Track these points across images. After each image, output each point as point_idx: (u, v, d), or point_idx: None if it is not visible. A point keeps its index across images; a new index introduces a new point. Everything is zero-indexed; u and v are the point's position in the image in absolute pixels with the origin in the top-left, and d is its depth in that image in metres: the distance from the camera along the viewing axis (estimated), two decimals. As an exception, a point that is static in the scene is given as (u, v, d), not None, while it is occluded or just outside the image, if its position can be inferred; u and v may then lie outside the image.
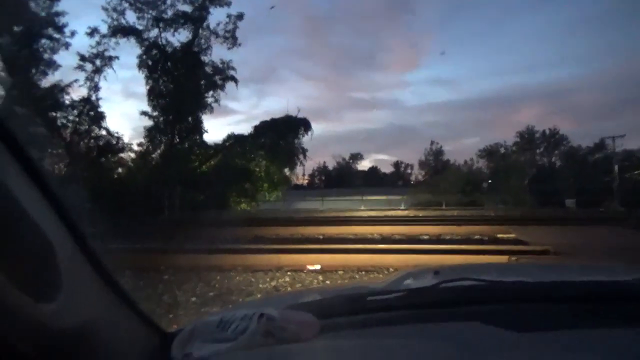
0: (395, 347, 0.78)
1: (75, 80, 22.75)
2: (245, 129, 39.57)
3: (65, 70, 26.51)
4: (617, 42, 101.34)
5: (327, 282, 5.89)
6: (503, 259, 6.19)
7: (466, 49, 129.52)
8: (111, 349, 0.72)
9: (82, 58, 23.33)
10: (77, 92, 23.05)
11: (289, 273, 6.23)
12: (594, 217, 13.96)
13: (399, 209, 23.58)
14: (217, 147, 27.59)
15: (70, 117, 22.97)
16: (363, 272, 6.31)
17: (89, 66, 23.44)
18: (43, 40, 21.83)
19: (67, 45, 22.49)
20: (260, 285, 5.65)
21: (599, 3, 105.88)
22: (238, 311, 0.86)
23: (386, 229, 11.24)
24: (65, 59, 27.77)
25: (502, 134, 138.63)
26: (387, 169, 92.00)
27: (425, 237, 10.37)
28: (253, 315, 0.80)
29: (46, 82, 21.93)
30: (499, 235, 10.05)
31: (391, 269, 6.25)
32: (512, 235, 9.53)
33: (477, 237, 10.23)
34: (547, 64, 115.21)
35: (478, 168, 52.23)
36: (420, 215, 17.06)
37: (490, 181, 34.87)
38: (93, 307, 0.69)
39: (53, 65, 22.15)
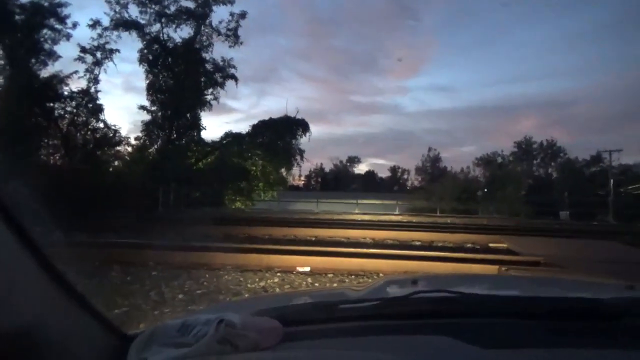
0: (355, 359, 0.76)
1: (75, 72, 22.78)
2: (243, 127, 39.59)
3: (66, 61, 26.45)
4: (618, 55, 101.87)
5: (316, 284, 5.87)
6: (493, 268, 6.18)
7: (467, 57, 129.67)
8: (62, 351, 0.69)
9: (83, 50, 23.36)
10: (77, 84, 23.02)
11: (278, 274, 6.21)
12: (588, 230, 13.99)
13: (393, 214, 23.56)
14: (214, 145, 27.59)
15: (69, 109, 23.01)
16: (353, 276, 6.29)
17: (89, 58, 23.52)
18: (44, 31, 21.78)
19: (68, 37, 22.52)
20: (249, 285, 5.63)
21: (600, 16, 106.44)
22: (202, 315, 0.84)
23: (379, 234, 11.23)
24: (66, 50, 27.76)
25: (499, 143, 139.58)
26: (383, 173, 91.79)
27: (418, 243, 10.37)
28: (214, 320, 0.78)
29: (46, 72, 21.94)
30: (491, 245, 10.05)
31: (381, 274, 6.24)
32: (504, 245, 9.52)
33: (469, 245, 10.23)
34: (547, 75, 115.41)
35: (474, 176, 52.43)
36: (414, 221, 17.06)
37: (485, 190, 34.94)
38: (38, 308, 0.67)
39: (53, 55, 22.13)
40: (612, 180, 31.19)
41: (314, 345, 0.85)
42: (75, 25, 22.68)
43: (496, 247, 9.61)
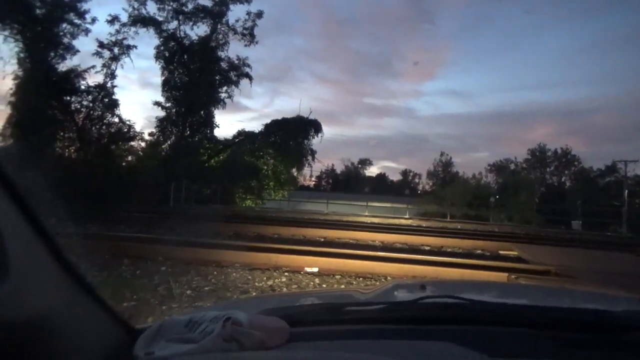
0: None
1: (92, 67, 23.03)
2: (256, 126, 39.64)
3: (83, 55, 26.71)
4: (636, 65, 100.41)
5: (324, 285, 5.87)
6: (503, 276, 6.13)
7: (483, 62, 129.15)
8: (71, 342, 0.70)
9: (101, 45, 23.60)
10: (93, 78, 23.27)
11: (286, 273, 6.22)
12: (601, 241, 13.80)
13: (403, 218, 23.48)
14: (226, 143, 27.73)
15: (85, 103, 23.21)
16: (361, 279, 6.28)
17: (106, 53, 23.74)
18: (64, 25, 22.01)
19: (87, 32, 22.69)
20: (257, 284, 5.64)
21: (618, 26, 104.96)
22: (209, 312, 0.84)
23: (388, 237, 11.19)
24: (84, 45, 27.99)
25: (513, 150, 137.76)
26: (395, 176, 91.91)
27: (427, 247, 10.32)
28: (221, 318, 0.78)
29: (64, 66, 22.14)
30: (501, 252, 9.96)
31: (389, 278, 6.23)
32: (514, 253, 9.44)
33: (478, 251, 10.16)
34: (563, 83, 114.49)
35: (486, 182, 51.86)
36: (424, 225, 16.98)
37: (497, 196, 34.59)
38: (50, 299, 0.68)
39: (72, 50, 22.30)
40: (626, 191, 30.74)
41: (320, 346, 0.85)
42: (94, 20, 22.92)
43: (506, 255, 9.53)
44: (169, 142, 26.09)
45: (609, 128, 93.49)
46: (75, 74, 22.29)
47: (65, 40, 22.10)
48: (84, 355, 0.74)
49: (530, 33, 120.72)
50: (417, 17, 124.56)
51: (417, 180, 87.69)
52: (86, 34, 22.74)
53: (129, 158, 26.01)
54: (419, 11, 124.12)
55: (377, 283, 5.55)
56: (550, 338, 0.88)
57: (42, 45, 21.01)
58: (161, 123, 25.85)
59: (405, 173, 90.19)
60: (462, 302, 0.99)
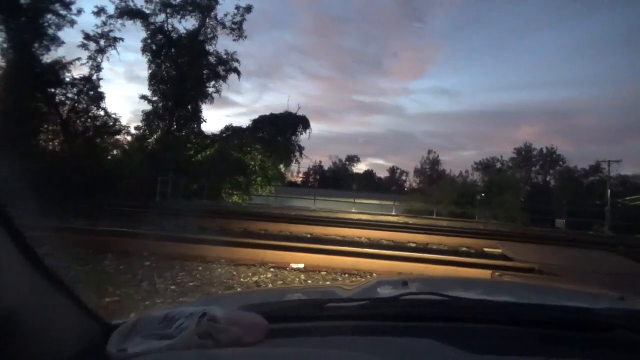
0: (337, 359, 0.75)
1: (78, 59, 22.82)
2: (244, 122, 39.64)
3: (69, 47, 26.42)
4: (621, 68, 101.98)
5: (309, 281, 5.86)
6: (487, 273, 6.19)
7: (472, 62, 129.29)
8: (41, 339, 0.68)
9: (87, 37, 23.39)
10: (79, 70, 23.02)
11: (271, 269, 6.20)
12: (584, 240, 13.98)
13: (390, 215, 23.57)
14: (214, 138, 27.60)
15: (70, 95, 22.99)
16: (346, 275, 6.29)
17: (92, 45, 23.56)
18: (49, 16, 21.67)
19: (72, 23, 22.43)
20: (242, 280, 5.61)
21: (604, 28, 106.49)
22: (187, 308, 0.83)
23: (374, 234, 11.23)
24: (70, 36, 27.58)
25: (499, 148, 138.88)
26: (382, 173, 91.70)
27: (413, 245, 10.37)
28: (197, 314, 0.77)
29: (48, 57, 21.85)
30: (486, 250, 10.05)
31: (374, 274, 6.24)
32: (499, 251, 9.53)
33: (464, 249, 10.24)
34: (550, 84, 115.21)
35: (473, 180, 52.25)
36: (411, 222, 17.08)
37: (483, 195, 34.86)
38: (17, 295, 0.66)
39: (57, 41, 22.03)
40: (609, 191, 31.25)
41: (299, 342, 0.84)
42: (79, 11, 22.66)
43: (491, 252, 9.62)
44: (155, 136, 25.88)
45: (594, 128, 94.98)
46: (60, 65, 22.02)
47: (50, 31, 21.82)
48: (55, 352, 0.72)
49: (518, 34, 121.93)
50: (408, 16, 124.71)
51: (404, 177, 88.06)
52: (72, 25, 22.51)
53: (115, 152, 25.82)
54: (409, 10, 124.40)
55: (363, 279, 5.56)
56: (532, 335, 0.88)
57: (27, 36, 20.65)
58: (148, 117, 25.63)
59: (392, 170, 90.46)
60: (444, 299, 0.99)
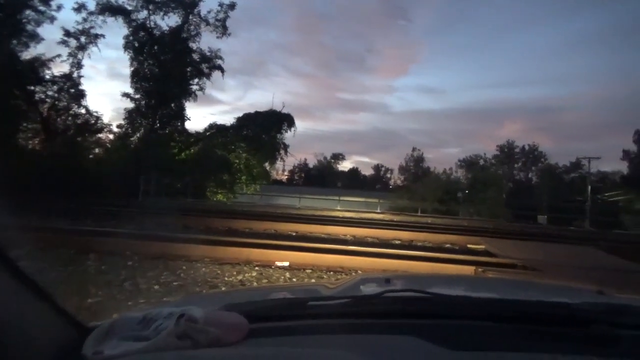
0: (317, 358, 0.75)
1: (58, 56, 22.41)
2: (228, 120, 39.38)
3: (48, 44, 25.92)
4: (602, 66, 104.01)
5: (294, 279, 5.86)
6: (470, 269, 6.26)
7: (456, 60, 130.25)
8: (13, 342, 0.66)
9: (67, 33, 22.97)
10: (59, 68, 22.59)
11: (256, 268, 6.18)
12: (565, 235, 14.21)
13: (375, 212, 23.66)
14: (198, 136, 27.40)
15: (50, 93, 22.55)
16: (331, 272, 6.30)
17: (73, 42, 23.15)
18: (27, 12, 21.21)
19: (52, 19, 21.97)
20: (226, 279, 5.58)
21: (586, 27, 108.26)
22: (165, 308, 0.81)
23: (359, 231, 11.26)
24: (49, 33, 27.00)
25: (483, 145, 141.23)
26: (367, 171, 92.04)
27: (397, 242, 10.43)
28: (176, 314, 0.75)
29: (27, 54, 21.39)
30: (470, 246, 10.16)
31: (359, 272, 6.25)
32: (482, 247, 9.63)
33: (448, 245, 10.33)
34: (533, 82, 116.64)
35: (456, 178, 52.79)
36: (395, 220, 17.16)
37: (467, 191, 35.27)
38: None
39: (36, 37, 21.55)
40: (589, 187, 31.84)
41: (281, 342, 0.83)
42: (59, 7, 22.23)
43: (474, 249, 9.72)
44: (138, 135, 25.60)
45: (574, 126, 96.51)
46: (40, 62, 21.62)
47: (29, 27, 21.35)
48: (29, 356, 0.70)
49: (501, 33, 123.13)
50: (392, 13, 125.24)
51: (389, 175, 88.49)
52: (51, 22, 22.07)
53: (97, 150, 25.44)
54: (393, 7, 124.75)
55: (348, 277, 5.57)
56: (513, 330, 0.89)
57: (5, 33, 20.19)
58: (130, 115, 25.33)
59: (377, 168, 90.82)
60: (426, 296, 0.99)
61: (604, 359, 0.81)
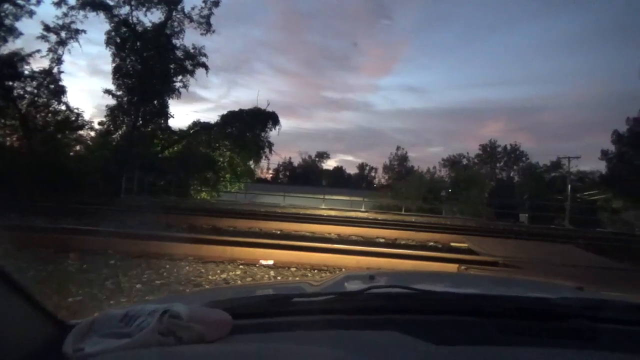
0: (300, 354, 0.75)
1: (38, 51, 22.03)
2: (212, 117, 39.10)
3: (27, 39, 25.40)
4: (580, 66, 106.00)
5: (279, 277, 5.85)
6: (453, 267, 6.32)
7: (439, 59, 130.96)
8: None
9: (47, 28, 22.56)
10: (38, 63, 22.29)
11: (241, 266, 6.14)
12: (546, 233, 14.44)
13: (359, 211, 23.74)
14: (181, 134, 27.18)
15: (29, 89, 22.10)
16: (316, 271, 6.29)
17: (53, 37, 22.75)
18: (6, 5, 20.77)
19: (31, 13, 21.53)
20: (210, 277, 5.55)
21: (565, 27, 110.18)
22: (148, 305, 0.80)
23: (344, 230, 11.29)
24: (28, 27, 26.56)
25: (466, 145, 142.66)
26: (352, 170, 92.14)
27: (382, 240, 10.48)
28: (159, 311, 0.74)
29: (5, 49, 20.94)
30: (453, 244, 10.25)
31: (344, 269, 6.27)
32: (465, 245, 9.73)
33: (431, 243, 10.41)
34: (513, 81, 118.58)
35: (440, 176, 53.28)
36: (380, 218, 17.24)
37: (450, 190, 35.62)
38: None
39: (14, 32, 21.13)
40: (569, 186, 32.42)
41: (264, 338, 0.83)
42: (39, 1, 21.79)
43: (458, 247, 9.81)
44: (120, 132, 25.28)
45: (555, 126, 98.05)
46: (19, 57, 21.19)
47: (8, 21, 20.93)
48: (8, 353, 0.69)
49: (483, 32, 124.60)
50: (376, 12, 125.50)
51: (373, 173, 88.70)
52: (30, 16, 21.66)
53: (78, 148, 25.03)
54: (377, 6, 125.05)
55: (333, 275, 5.57)
56: (494, 325, 0.90)
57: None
58: (112, 112, 25.00)
59: (362, 166, 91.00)
60: (409, 292, 1.00)
61: (582, 352, 0.83)
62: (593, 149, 68.05)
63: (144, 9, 24.79)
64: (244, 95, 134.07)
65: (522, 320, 0.92)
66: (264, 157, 28.80)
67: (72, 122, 23.34)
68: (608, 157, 37.66)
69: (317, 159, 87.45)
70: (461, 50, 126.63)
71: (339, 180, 78.44)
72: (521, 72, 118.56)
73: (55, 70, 22.67)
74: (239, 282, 5.50)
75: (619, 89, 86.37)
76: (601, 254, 9.02)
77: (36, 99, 22.33)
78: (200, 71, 26.76)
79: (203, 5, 25.86)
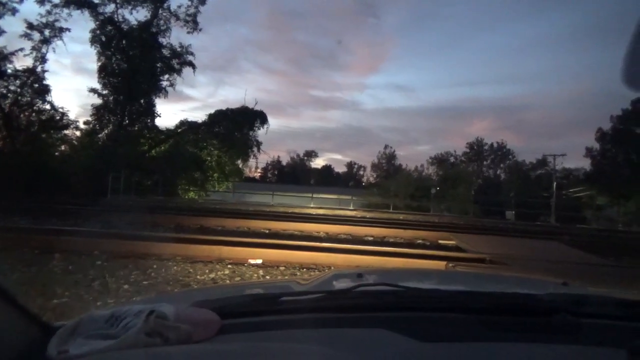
0: (288, 353, 0.75)
1: (21, 49, 21.65)
2: (199, 116, 38.71)
3: (10, 37, 24.94)
4: (565, 65, 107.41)
5: (268, 276, 5.83)
6: (441, 264, 6.36)
7: (426, 58, 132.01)
8: None
9: (30, 26, 22.18)
10: (22, 62, 21.81)
11: (229, 266, 6.12)
12: (532, 230, 14.60)
13: (348, 209, 23.78)
14: (168, 133, 26.95)
15: (12, 88, 21.72)
16: (305, 269, 6.29)
17: (36, 35, 22.39)
18: (-13, 3, 20.40)
19: (14, 11, 21.15)
20: (198, 277, 5.51)
21: (551, 27, 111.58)
22: (134, 306, 0.79)
23: (332, 228, 11.29)
24: (11, 25, 26.14)
25: (453, 143, 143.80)
26: (340, 168, 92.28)
27: (370, 238, 10.51)
28: (145, 311, 0.74)
29: (-14, 47, 20.52)
30: (441, 241, 10.31)
31: (332, 268, 6.28)
32: (452, 242, 9.80)
33: (419, 241, 10.46)
34: (502, 80, 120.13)
35: (428, 175, 53.58)
36: (368, 216, 17.29)
37: (438, 188, 35.83)
38: None
39: (-4, 30, 20.70)
40: (555, 184, 32.82)
41: (252, 337, 0.83)
42: (22, -1, 21.39)
43: (445, 244, 9.88)
44: (106, 131, 24.99)
45: (541, 124, 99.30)
46: (1, 56, 20.88)
47: (-11, 19, 20.50)
48: None
49: (470, 32, 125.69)
50: (363, 11, 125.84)
51: (361, 172, 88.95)
52: (13, 14, 21.28)
53: (63, 147, 24.70)
54: (364, 5, 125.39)
55: (321, 273, 5.57)
56: (480, 322, 0.91)
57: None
58: (98, 111, 24.70)
59: (350, 165, 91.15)
60: (396, 289, 1.00)
61: (566, 346, 0.84)
62: (578, 147, 69.06)
63: (130, 7, 24.53)
64: (232, 94, 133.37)
65: (508, 316, 0.94)
66: (252, 156, 28.69)
67: (56, 121, 23.03)
68: (592, 155, 38.15)
69: (305, 158, 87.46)
70: (448, 49, 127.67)
71: (327, 178, 78.49)
72: (508, 71, 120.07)
73: (39, 69, 22.37)
74: (228, 281, 5.47)
75: (604, 88, 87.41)
76: (585, 250, 9.15)
77: (20, 98, 21.99)
78: (187, 70, 26.60)
79: (189, 3, 25.70)
